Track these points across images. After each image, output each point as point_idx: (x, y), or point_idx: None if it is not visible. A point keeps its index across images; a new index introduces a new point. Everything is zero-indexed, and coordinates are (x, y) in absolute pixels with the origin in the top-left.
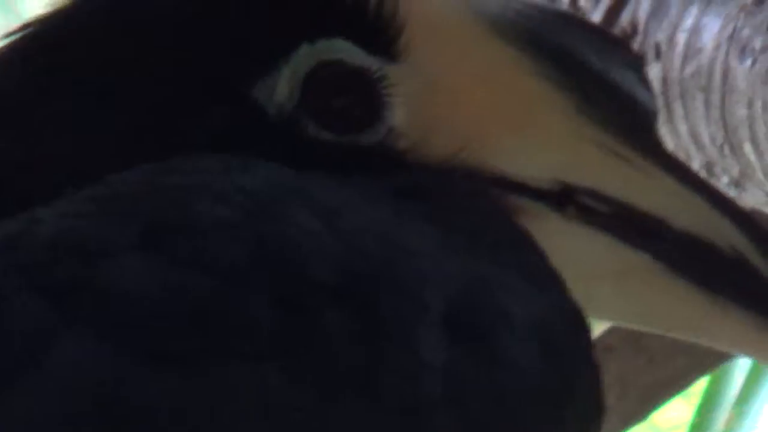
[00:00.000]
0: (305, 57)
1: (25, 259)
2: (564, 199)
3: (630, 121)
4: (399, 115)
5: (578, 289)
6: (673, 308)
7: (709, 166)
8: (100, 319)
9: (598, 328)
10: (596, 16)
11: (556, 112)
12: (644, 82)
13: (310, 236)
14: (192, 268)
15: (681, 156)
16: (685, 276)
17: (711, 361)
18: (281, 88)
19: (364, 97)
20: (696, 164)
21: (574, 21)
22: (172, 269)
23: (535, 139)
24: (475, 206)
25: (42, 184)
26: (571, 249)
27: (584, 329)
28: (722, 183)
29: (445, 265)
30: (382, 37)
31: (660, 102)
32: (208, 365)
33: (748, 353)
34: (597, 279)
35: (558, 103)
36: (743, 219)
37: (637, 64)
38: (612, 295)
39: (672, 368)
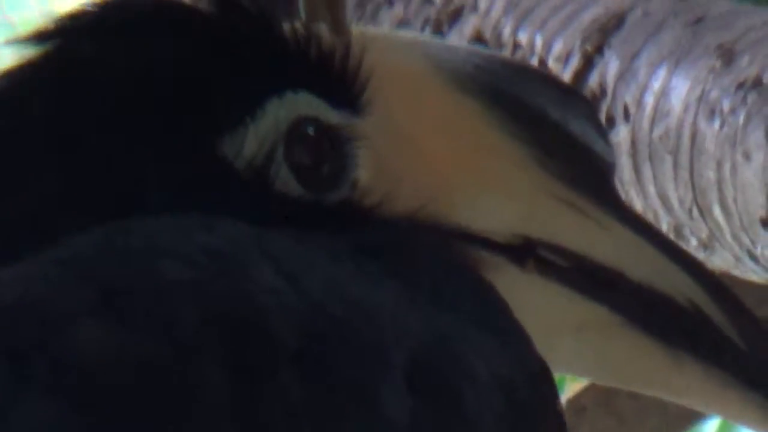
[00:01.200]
0: (276, 111)
1: None
2: (524, 252)
3: (588, 173)
4: (364, 169)
5: (539, 343)
6: (632, 361)
7: (677, 229)
8: (56, 384)
9: (570, 390)
10: (565, 78)
11: (517, 165)
12: (600, 132)
13: (273, 296)
14: (149, 333)
15: (649, 217)
16: (643, 328)
17: (682, 422)
18: (250, 143)
19: (331, 152)
20: (664, 226)
21: (532, 73)
22: (129, 335)
23: (496, 192)
24: (439, 260)
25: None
26: (532, 302)
27: (549, 382)
28: (691, 245)
29: (407, 322)
30: (347, 90)
31: (628, 164)
32: (160, 430)
33: (708, 408)
34: (557, 332)
35: (518, 156)
36: (699, 271)
37: (593, 114)
38: (572, 348)
39: (643, 429)
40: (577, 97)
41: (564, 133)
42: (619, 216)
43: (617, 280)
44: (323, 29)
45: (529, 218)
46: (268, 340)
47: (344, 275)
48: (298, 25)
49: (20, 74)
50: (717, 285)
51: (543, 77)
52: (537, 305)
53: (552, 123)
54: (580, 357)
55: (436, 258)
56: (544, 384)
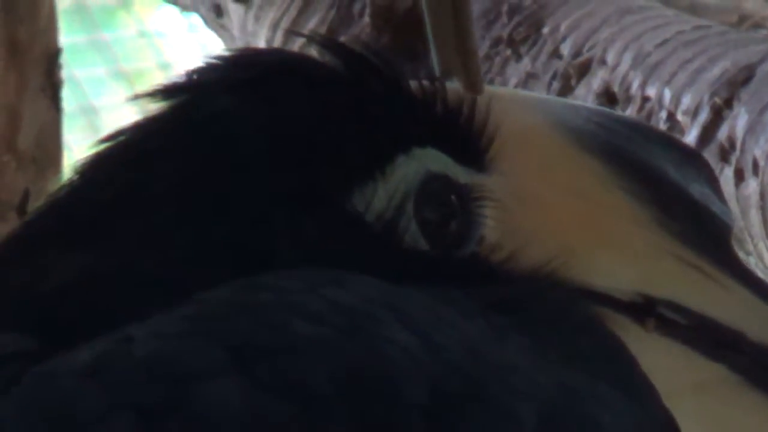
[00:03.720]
0: (406, 167)
1: (119, 379)
2: (645, 311)
3: (707, 234)
4: (491, 226)
5: None
6: (750, 423)
7: None
8: None
9: None
10: (694, 132)
11: (638, 224)
12: (719, 195)
13: (404, 353)
14: (280, 395)
15: None
16: (763, 389)
17: None
18: (381, 197)
19: (459, 209)
20: None
21: (652, 133)
22: (260, 396)
23: (619, 251)
24: (567, 317)
25: (127, 300)
26: (653, 361)
27: None
28: None
29: (538, 379)
30: (473, 148)
31: (758, 217)
32: None
33: None
34: (677, 391)
35: (639, 216)
36: None
37: (712, 176)
38: (692, 409)
39: None
40: (696, 159)
41: (683, 194)
42: (738, 277)
43: (737, 340)
44: (456, 84)
45: (650, 277)
46: (399, 401)
47: (474, 331)
48: (425, 81)
49: (148, 129)
50: None
51: (663, 137)
52: (658, 364)
53: (671, 184)
54: (698, 416)
55: (563, 314)
56: None
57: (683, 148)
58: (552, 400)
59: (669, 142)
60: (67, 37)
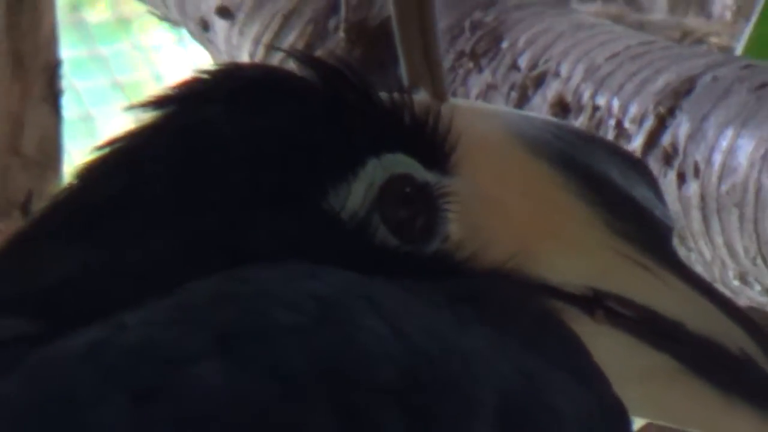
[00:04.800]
0: (375, 170)
1: (112, 362)
2: (595, 303)
3: (650, 233)
4: (454, 225)
5: None
6: (690, 405)
7: (742, 276)
8: (174, 421)
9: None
10: (640, 138)
11: (587, 225)
12: (661, 198)
13: (375, 340)
14: (261, 376)
15: (717, 265)
16: (701, 375)
17: None
18: (354, 197)
19: (426, 207)
20: (731, 273)
21: (600, 143)
22: (242, 377)
23: (570, 249)
24: (525, 309)
25: (121, 290)
26: (601, 350)
27: (627, 423)
28: (755, 290)
29: (498, 365)
30: (437, 153)
31: (698, 216)
32: None
33: None
34: (624, 377)
35: (588, 218)
36: (749, 323)
37: (654, 182)
38: (637, 393)
39: None
40: (639, 166)
41: (628, 197)
42: (678, 273)
43: (677, 330)
44: (423, 93)
45: (599, 273)
46: (371, 383)
47: (440, 321)
48: (394, 92)
49: (141, 136)
50: (765, 337)
51: (610, 147)
52: (606, 353)
53: (617, 188)
54: (644, 401)
55: (522, 307)
56: (622, 423)
57: (628, 156)
58: (511, 385)
59: (615, 151)
60: (67, 50)
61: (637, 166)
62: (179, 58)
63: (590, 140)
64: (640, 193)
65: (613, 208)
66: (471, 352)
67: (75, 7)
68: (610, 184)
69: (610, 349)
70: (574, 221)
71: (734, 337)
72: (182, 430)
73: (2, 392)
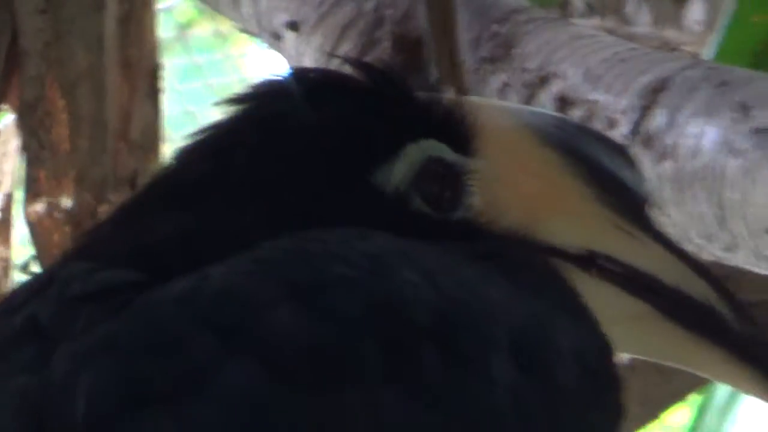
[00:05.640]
0: (414, 152)
1: (201, 304)
2: (589, 262)
3: (632, 205)
4: (475, 197)
5: None
6: (665, 344)
7: (708, 236)
8: (255, 354)
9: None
10: (626, 127)
11: (583, 199)
12: (641, 177)
13: (414, 288)
14: (325, 317)
15: (686, 228)
16: (673, 319)
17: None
18: (397, 174)
19: (453, 183)
20: (697, 234)
21: (593, 133)
22: (311, 318)
23: (569, 218)
24: (533, 264)
25: (209, 249)
26: (594, 299)
27: (612, 355)
28: (718, 248)
29: (511, 309)
30: (463, 140)
31: (672, 189)
32: (331, 389)
33: (717, 377)
34: (612, 321)
35: (584, 193)
36: (712, 278)
37: (635, 164)
38: (623, 333)
39: (679, 383)
40: (624, 152)
41: (615, 177)
42: (655, 237)
43: (654, 283)
44: (450, 93)
45: (592, 237)
46: (410, 323)
47: (465, 273)
48: (429, 92)
49: (225, 126)
50: (724, 287)
51: (601, 137)
52: (597, 301)
53: (607, 170)
54: (627, 339)
55: (530, 263)
56: (608, 355)
57: (615, 144)
58: (521, 325)
59: (604, 140)
60: (172, 59)
61: (622, 151)
62: (262, 65)
63: (585, 131)
64: (625, 173)
65: (603, 186)
66: (489, 298)
67: (182, 25)
68: (600, 167)
69: (601, 298)
70: (572, 196)
71: (699, 289)
72: (261, 362)
73: (113, 328)
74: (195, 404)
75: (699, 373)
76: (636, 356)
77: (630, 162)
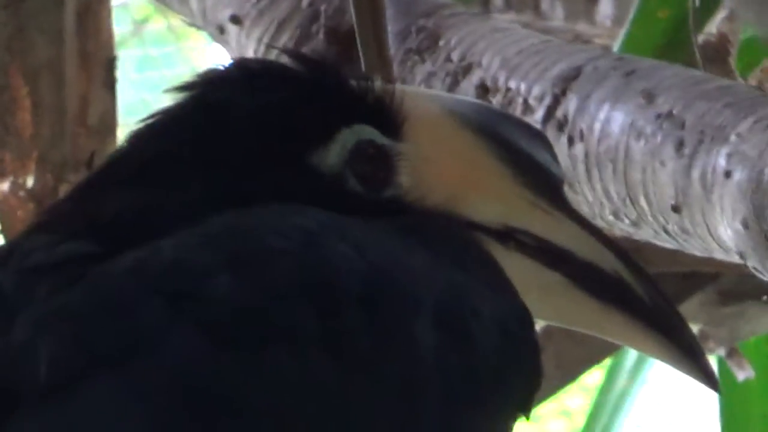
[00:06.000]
0: (347, 136)
1: (150, 274)
2: (507, 236)
3: (546, 184)
4: (403, 177)
5: None
6: (577, 311)
7: (616, 213)
8: (197, 317)
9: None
10: (541, 112)
11: (501, 179)
12: (555, 159)
13: (344, 259)
14: (261, 284)
15: (597, 205)
16: (584, 289)
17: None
18: (331, 156)
19: (383, 164)
20: (606, 211)
21: (511, 118)
22: (247, 285)
23: (489, 196)
24: (455, 238)
25: (159, 224)
26: (512, 270)
27: (529, 321)
28: (625, 223)
29: (434, 278)
30: (391, 124)
31: (582, 169)
32: (267, 350)
33: (625, 342)
34: (528, 290)
35: (502, 173)
36: (620, 251)
37: (550, 146)
38: (538, 302)
39: (593, 347)
40: (539, 135)
41: (531, 158)
42: (567, 213)
43: (567, 256)
44: (378, 81)
45: (509, 214)
46: (340, 291)
47: (392, 246)
48: (359, 80)
49: (173, 111)
50: (631, 260)
51: (517, 121)
52: (515, 272)
53: (523, 152)
54: (542, 307)
55: (453, 236)
56: (526, 321)
57: (531, 128)
58: (444, 293)
59: (522, 124)
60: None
61: (537, 135)
62: (209, 57)
63: (504, 116)
64: (540, 155)
65: (520, 166)
66: (414, 268)
67: (138, 21)
68: (518, 149)
69: (518, 269)
70: (492, 176)
71: (609, 261)
72: (202, 325)
73: (71, 298)
74: (144, 365)
75: (608, 338)
76: (551, 323)
77: (545, 144)
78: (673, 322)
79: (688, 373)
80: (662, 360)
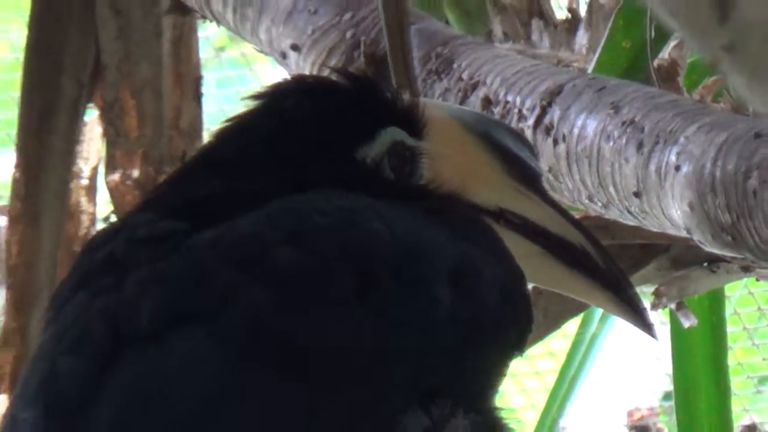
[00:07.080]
0: (384, 136)
1: (226, 246)
2: (499, 216)
3: (529, 178)
4: (425, 170)
5: None
6: (553, 276)
7: (590, 197)
8: (264, 280)
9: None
10: (531, 119)
11: (496, 172)
12: (536, 157)
13: (378, 234)
14: (310, 253)
15: (575, 192)
16: (558, 258)
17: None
18: (373, 151)
19: (410, 158)
20: (583, 196)
21: (504, 126)
22: (300, 254)
23: (486, 185)
24: (464, 216)
25: (237, 206)
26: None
27: (523, 282)
28: (597, 206)
29: (449, 248)
30: (416, 128)
31: (564, 164)
32: (318, 301)
33: (589, 300)
34: (516, 258)
35: (496, 168)
36: (583, 228)
37: (533, 149)
38: (522, 267)
39: (573, 302)
40: (525, 140)
41: (518, 158)
42: (545, 200)
43: (544, 233)
44: (406, 94)
45: (502, 199)
46: (375, 260)
47: (417, 223)
48: (392, 92)
49: (248, 116)
50: (592, 236)
51: (508, 128)
52: (506, 243)
53: (512, 152)
54: (526, 271)
55: (463, 215)
56: (521, 282)
57: (518, 134)
58: (456, 260)
59: (511, 130)
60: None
61: (523, 139)
62: (275, 77)
63: (498, 123)
64: (525, 154)
65: (509, 163)
66: (433, 240)
67: (218, 48)
68: (506, 148)
69: (508, 242)
70: (489, 170)
71: (574, 236)
72: (268, 286)
73: (164, 265)
74: (223, 316)
75: (574, 296)
76: (534, 284)
77: (529, 146)
78: (621, 283)
79: (631, 323)
80: (613, 313)
